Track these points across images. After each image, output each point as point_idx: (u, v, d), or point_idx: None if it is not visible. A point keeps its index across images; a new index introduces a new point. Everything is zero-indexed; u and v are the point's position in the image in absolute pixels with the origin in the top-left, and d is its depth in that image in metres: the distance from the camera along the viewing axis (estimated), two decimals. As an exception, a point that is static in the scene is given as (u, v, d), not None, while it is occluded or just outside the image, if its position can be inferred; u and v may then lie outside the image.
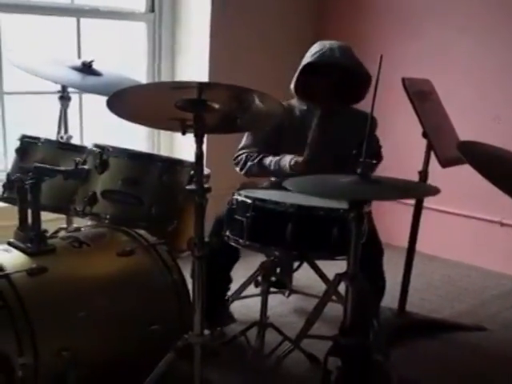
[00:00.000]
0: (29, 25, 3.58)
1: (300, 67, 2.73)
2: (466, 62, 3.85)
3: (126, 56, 4.11)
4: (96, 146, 2.36)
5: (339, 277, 2.19)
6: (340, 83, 2.77)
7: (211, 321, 2.61)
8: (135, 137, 4.09)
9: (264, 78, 3.04)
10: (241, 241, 2.32)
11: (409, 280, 2.99)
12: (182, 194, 2.34)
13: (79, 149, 2.47)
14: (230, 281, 2.86)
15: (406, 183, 2.33)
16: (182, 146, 4.01)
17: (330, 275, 2.79)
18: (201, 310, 2.02)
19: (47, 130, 2.89)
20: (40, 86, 3.32)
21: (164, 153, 4.07)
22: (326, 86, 2.77)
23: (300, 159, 2.62)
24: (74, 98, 3.10)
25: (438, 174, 2.78)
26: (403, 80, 2.67)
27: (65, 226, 2.80)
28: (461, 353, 2.79)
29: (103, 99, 2.59)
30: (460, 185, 3.58)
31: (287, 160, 2.65)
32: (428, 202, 2.98)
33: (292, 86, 2.78)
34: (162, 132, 4.09)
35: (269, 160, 2.73)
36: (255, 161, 2.76)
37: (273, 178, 2.87)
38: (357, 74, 2.72)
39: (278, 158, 2.70)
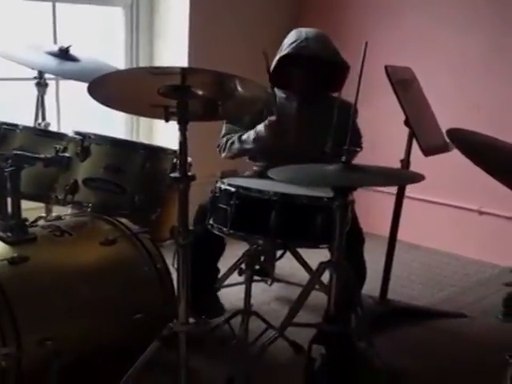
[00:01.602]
0: (3, 9, 3.49)
1: (276, 59, 2.73)
2: (446, 50, 3.86)
3: (103, 41, 4.05)
4: (77, 133, 2.33)
5: (323, 265, 2.20)
6: (317, 72, 2.76)
7: (201, 312, 2.61)
8: (113, 124, 4.03)
9: (243, 64, 3.01)
10: (224, 229, 2.30)
11: (390, 268, 3.00)
12: (165, 182, 2.33)
13: (59, 136, 2.43)
14: (217, 271, 2.85)
15: (390, 170, 2.34)
16: (161, 133, 3.98)
17: (312, 263, 2.81)
18: (185, 298, 2.00)
19: (22, 117, 2.83)
20: (14, 72, 3.25)
21: (143, 140, 4.02)
22: (303, 75, 2.77)
23: (273, 117, 2.62)
24: (51, 84, 3.05)
25: (417, 163, 2.79)
26: (386, 68, 2.67)
27: (44, 214, 2.76)
28: (442, 339, 2.82)
29: (80, 85, 2.57)
30: (439, 174, 3.60)
31: (262, 125, 2.65)
32: (408, 191, 3.00)
33: (268, 75, 2.77)
34: (141, 119, 4.04)
35: (247, 134, 2.74)
36: (235, 138, 2.77)
37: (255, 168, 2.87)
38: (334, 63, 2.72)
39: (253, 129, 2.71)
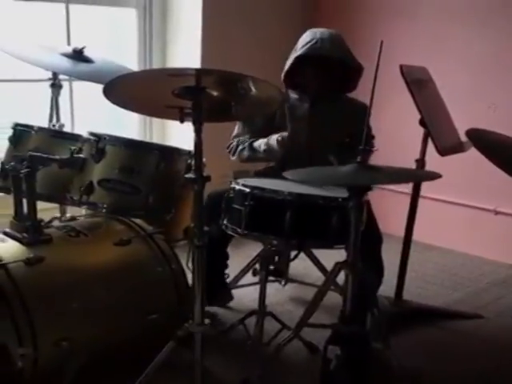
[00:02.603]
0: (17, 11, 3.51)
1: (290, 60, 2.72)
2: (461, 49, 3.84)
3: (116, 43, 4.06)
4: (92, 134, 2.33)
5: (339, 265, 2.19)
6: (331, 73, 2.75)
7: (212, 299, 2.61)
8: (126, 125, 4.04)
9: (256, 65, 3.00)
10: (239, 230, 2.29)
11: (405, 269, 2.98)
12: (179, 183, 2.32)
13: (74, 137, 2.43)
14: (227, 257, 2.88)
15: (405, 170, 2.33)
16: (174, 134, 3.98)
17: (326, 264, 2.80)
18: (201, 298, 2.00)
19: (37, 119, 2.84)
20: (29, 74, 3.26)
21: (156, 141, 4.03)
22: (317, 76, 2.76)
23: (285, 134, 2.63)
24: (65, 85, 3.06)
25: (433, 163, 2.77)
26: (401, 67, 2.64)
27: (58, 215, 2.77)
28: (458, 340, 2.80)
29: (93, 86, 2.57)
30: (455, 174, 3.57)
31: (274, 138, 2.65)
32: (424, 191, 2.98)
33: (282, 76, 2.77)
34: (154, 120, 4.05)
35: (258, 142, 2.73)
36: (246, 144, 2.76)
37: (269, 164, 2.87)
38: (348, 64, 2.71)
39: (266, 138, 2.70)
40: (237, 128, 2.85)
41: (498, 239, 3.84)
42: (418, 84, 2.74)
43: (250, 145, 2.75)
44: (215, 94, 1.93)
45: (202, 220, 1.98)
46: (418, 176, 2.35)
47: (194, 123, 1.92)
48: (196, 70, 1.85)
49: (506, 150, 1.74)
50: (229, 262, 2.91)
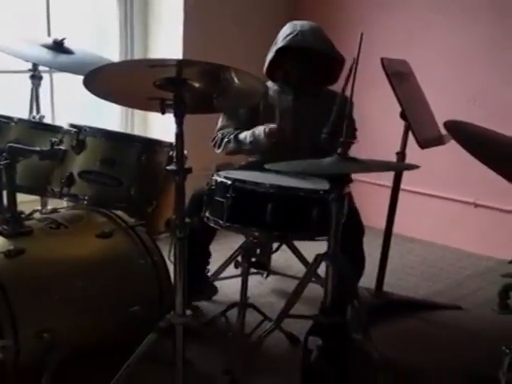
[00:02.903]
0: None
1: (272, 53, 2.72)
2: (442, 42, 3.86)
3: (97, 34, 4.02)
4: (72, 125, 2.32)
5: (320, 257, 2.20)
6: (313, 65, 2.76)
7: (195, 296, 2.62)
8: (108, 117, 4.02)
9: (238, 57, 3.00)
10: (221, 222, 2.30)
11: (386, 261, 3.01)
12: (161, 175, 2.32)
13: (54, 128, 2.41)
14: (209, 255, 2.88)
15: (385, 163, 2.35)
16: (156, 126, 3.97)
17: (307, 256, 2.82)
18: (182, 290, 2.00)
19: (17, 110, 2.81)
20: (8, 65, 3.23)
21: (138, 133, 4.01)
22: (298, 68, 2.76)
23: (274, 126, 2.62)
24: (45, 77, 3.03)
25: (413, 156, 2.79)
26: (382, 60, 2.66)
27: (39, 207, 2.75)
28: (438, 331, 2.83)
29: (74, 78, 2.55)
30: (435, 167, 3.61)
31: (261, 129, 2.65)
32: (404, 183, 3.00)
33: (264, 69, 2.77)
34: (136, 111, 4.03)
35: (244, 134, 2.72)
36: (231, 136, 2.75)
37: (250, 158, 2.87)
38: (329, 56, 2.72)
39: (251, 130, 2.70)
40: (220, 121, 2.84)
41: (478, 232, 3.88)
42: (399, 77, 2.76)
43: (236, 137, 2.74)
44: (197, 85, 1.91)
45: (184, 212, 1.98)
46: (395, 166, 2.38)
47: (176, 115, 1.91)
48: (177, 61, 1.83)
49: (485, 141, 1.76)
50: (211, 253, 2.91)
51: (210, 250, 2.87)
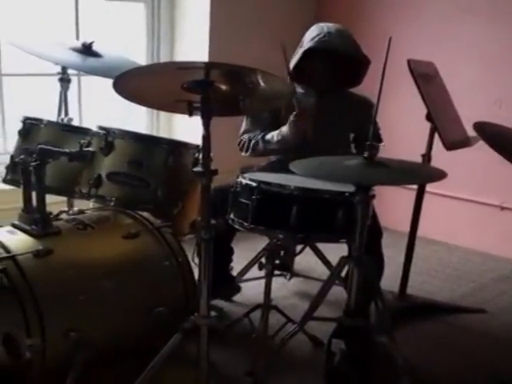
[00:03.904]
0: (27, 5, 3.53)
1: (300, 53, 2.71)
2: (468, 44, 3.84)
3: (125, 38, 4.07)
4: (101, 128, 2.35)
5: (344, 260, 2.21)
6: (338, 67, 2.76)
7: (218, 294, 2.63)
8: (133, 119, 4.06)
9: (263, 60, 3.01)
10: (245, 224, 2.31)
11: (410, 264, 3.00)
12: (187, 177, 2.34)
13: (83, 131, 2.44)
14: (231, 252, 2.89)
15: (412, 166, 2.34)
16: (181, 128, 3.99)
17: (330, 258, 2.82)
18: (207, 291, 2.01)
19: (46, 112, 2.86)
20: (38, 68, 3.28)
21: (163, 134, 4.05)
22: (324, 70, 2.76)
23: (295, 113, 2.60)
24: (74, 80, 3.07)
25: (438, 158, 2.78)
26: (408, 62, 2.65)
27: (65, 209, 2.79)
28: (462, 335, 2.82)
29: (101, 81, 2.58)
30: (461, 169, 3.58)
31: (285, 126, 2.65)
32: (429, 186, 2.99)
33: (289, 71, 2.77)
34: (161, 114, 4.07)
35: (270, 134, 2.73)
36: (258, 137, 2.76)
37: (272, 158, 2.87)
38: (355, 58, 2.72)
39: (278, 130, 2.71)
40: (244, 124, 2.85)
41: (504, 235, 3.84)
42: (425, 79, 2.75)
43: (263, 137, 2.75)
44: (224, 87, 1.94)
45: (209, 213, 2.00)
46: (422, 176, 2.35)
47: (203, 117, 1.93)
48: (205, 63, 1.85)
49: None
50: (235, 255, 2.92)
51: (232, 247, 2.87)
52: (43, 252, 2.04)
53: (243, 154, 2.83)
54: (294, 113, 2.62)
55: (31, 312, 1.92)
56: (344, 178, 2.15)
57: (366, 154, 2.03)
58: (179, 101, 1.93)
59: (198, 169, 1.96)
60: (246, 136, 2.82)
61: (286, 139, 2.67)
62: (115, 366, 2.15)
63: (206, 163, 1.95)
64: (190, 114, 1.95)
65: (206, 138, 1.94)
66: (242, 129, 2.85)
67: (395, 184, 2.97)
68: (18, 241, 2.10)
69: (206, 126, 1.93)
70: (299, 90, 2.83)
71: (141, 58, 3.94)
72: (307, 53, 2.70)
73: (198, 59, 3.70)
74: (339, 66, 2.75)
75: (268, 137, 2.73)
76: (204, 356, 2.02)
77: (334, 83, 2.80)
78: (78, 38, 3.61)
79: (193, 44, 3.99)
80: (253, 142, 2.77)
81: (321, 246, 2.91)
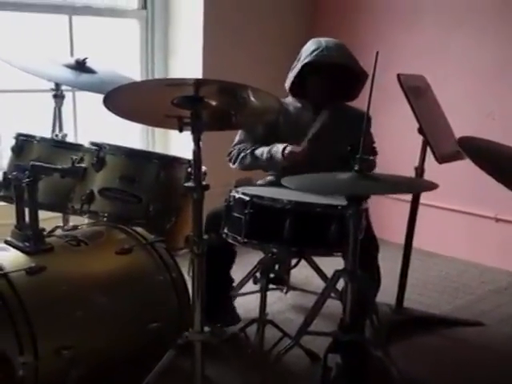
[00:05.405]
0: (20, 22, 3.55)
1: (298, 67, 2.72)
2: (460, 58, 3.85)
3: (118, 54, 4.09)
4: (92, 143, 2.36)
5: (338, 273, 2.20)
6: (335, 81, 2.76)
7: (217, 321, 2.62)
8: (129, 134, 4.07)
9: (258, 76, 3.03)
10: (239, 238, 2.30)
11: (406, 276, 2.99)
12: (180, 192, 2.34)
13: (75, 147, 2.46)
14: (231, 281, 2.86)
15: (404, 179, 2.34)
16: (177, 143, 4.00)
17: (327, 271, 2.81)
18: (200, 307, 2.01)
19: (40, 129, 2.86)
20: (32, 84, 3.29)
21: (159, 150, 4.05)
22: (322, 84, 2.76)
23: (297, 149, 2.61)
24: (67, 96, 3.08)
25: (432, 171, 2.78)
26: (398, 76, 2.66)
27: (61, 224, 2.79)
28: (459, 348, 2.80)
29: (96, 97, 2.59)
30: (455, 181, 3.59)
31: (279, 148, 2.65)
32: (424, 198, 2.99)
33: (287, 85, 2.78)
34: (157, 129, 4.08)
35: (260, 150, 2.73)
36: (247, 151, 2.76)
37: (269, 177, 2.88)
38: (352, 72, 2.72)
39: (269, 147, 2.70)
40: (238, 136, 2.85)
41: (499, 246, 3.84)
42: (416, 92, 2.76)
43: (252, 152, 2.75)
44: (214, 103, 1.95)
45: (201, 228, 2.00)
46: (414, 187, 2.36)
47: (193, 132, 1.93)
48: (194, 80, 1.86)
49: (498, 158, 1.75)
50: (233, 279, 2.89)
51: (231, 276, 2.85)
52: (36, 269, 2.04)
53: (231, 165, 2.83)
54: (292, 147, 2.61)
55: (24, 329, 1.91)
56: (334, 190, 2.15)
57: (356, 168, 2.03)
58: (169, 116, 1.94)
59: (190, 184, 1.97)
60: (236, 148, 2.82)
61: (273, 160, 2.67)
62: (109, 382, 2.14)
63: (197, 178, 1.96)
64: (181, 130, 1.96)
65: (197, 153, 1.95)
66: (235, 140, 2.85)
67: (385, 193, 2.97)
68: (10, 258, 2.10)
69: (197, 141, 1.94)
70: (297, 104, 2.83)
71: (135, 74, 3.96)
72: (305, 67, 2.70)
73: (193, 73, 3.82)
74: (337, 80, 2.75)
75: (257, 152, 2.73)
76: (199, 372, 2.02)
77: (331, 97, 2.80)
78: (72, 54, 3.62)
79: (187, 59, 4.01)
80: (242, 155, 2.78)
81: (317, 258, 2.90)
